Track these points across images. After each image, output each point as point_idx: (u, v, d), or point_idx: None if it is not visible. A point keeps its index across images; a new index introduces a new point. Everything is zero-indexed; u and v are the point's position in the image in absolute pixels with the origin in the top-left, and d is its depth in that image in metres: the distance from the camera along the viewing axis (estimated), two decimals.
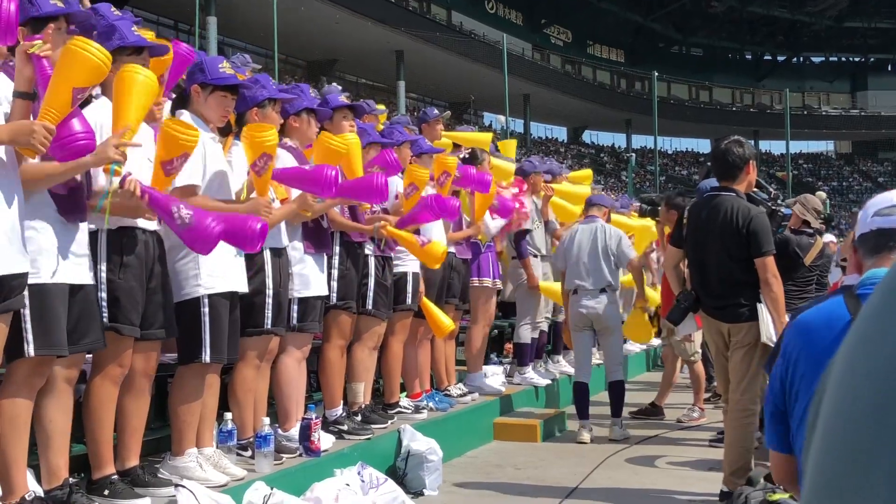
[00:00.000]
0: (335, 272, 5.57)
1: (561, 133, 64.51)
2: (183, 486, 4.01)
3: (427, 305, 6.48)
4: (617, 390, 7.61)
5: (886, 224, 2.24)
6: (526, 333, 8.22)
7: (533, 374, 8.41)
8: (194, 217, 3.79)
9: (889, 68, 75.56)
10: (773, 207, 5.79)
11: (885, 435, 0.48)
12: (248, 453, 4.83)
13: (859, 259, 2.32)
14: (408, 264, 6.32)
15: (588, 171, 11.65)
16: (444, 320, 6.52)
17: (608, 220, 8.35)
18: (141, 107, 3.72)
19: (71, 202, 3.65)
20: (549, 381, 8.60)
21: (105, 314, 3.88)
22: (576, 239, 7.66)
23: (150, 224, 4.08)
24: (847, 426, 0.51)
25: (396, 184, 6.14)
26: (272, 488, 4.37)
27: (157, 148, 4.01)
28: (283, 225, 5.00)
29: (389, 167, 5.66)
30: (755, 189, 5.71)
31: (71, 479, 3.83)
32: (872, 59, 74.70)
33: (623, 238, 7.68)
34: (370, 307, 5.83)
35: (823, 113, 71.91)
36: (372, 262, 5.85)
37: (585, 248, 7.56)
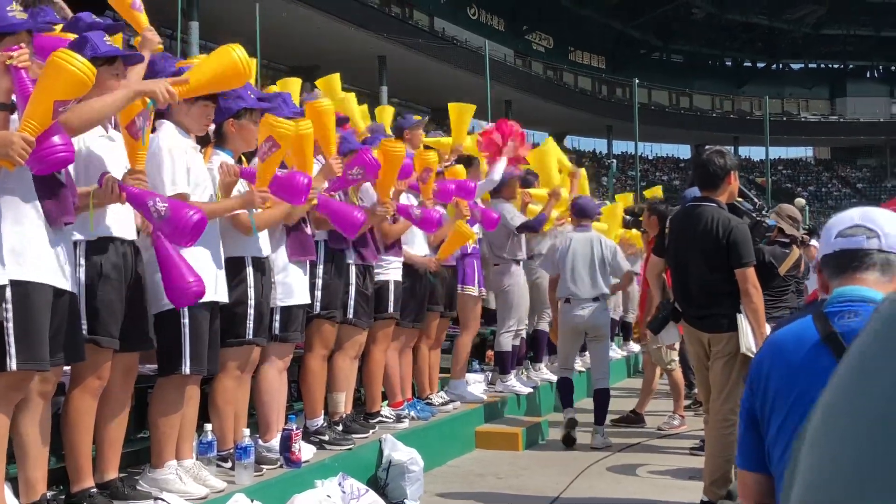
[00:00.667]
0: (319, 281, 5.55)
1: (543, 139, 64.49)
2: (162, 500, 3.99)
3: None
4: (601, 398, 7.65)
5: (849, 245, 2.24)
6: (507, 341, 8.22)
7: (515, 382, 8.41)
8: (170, 209, 3.77)
9: (867, 75, 76.16)
10: (758, 218, 5.82)
11: (864, 490, 0.48)
12: (229, 465, 4.80)
13: (825, 280, 2.32)
14: (389, 272, 6.31)
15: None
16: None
17: None
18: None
19: (57, 205, 3.61)
20: (531, 389, 8.60)
21: (84, 326, 3.85)
22: (570, 248, 7.73)
23: (128, 234, 4.05)
24: (827, 482, 0.50)
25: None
26: (253, 500, 4.34)
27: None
28: (265, 234, 4.98)
29: (368, 167, 5.62)
30: (739, 199, 5.74)
31: (49, 492, 3.80)
32: (851, 66, 75.24)
33: (618, 249, 7.90)
34: (351, 316, 5.81)
35: (802, 119, 72.36)
36: (353, 270, 5.83)
37: (581, 258, 7.66)
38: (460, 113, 8.75)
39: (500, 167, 7.94)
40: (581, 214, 8.00)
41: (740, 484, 2.48)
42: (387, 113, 8.83)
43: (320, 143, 5.36)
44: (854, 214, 2.31)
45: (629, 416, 8.77)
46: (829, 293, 2.29)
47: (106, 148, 4.03)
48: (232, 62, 4.20)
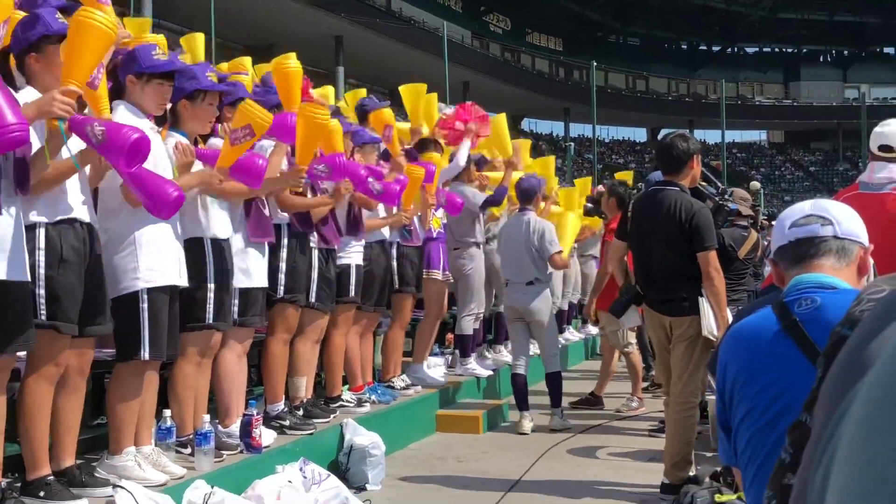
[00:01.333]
0: (283, 265, 5.49)
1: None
2: (121, 487, 3.92)
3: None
4: (554, 381, 7.57)
5: (804, 233, 2.28)
6: (468, 325, 8.21)
7: (475, 365, 8.41)
8: (108, 132, 3.66)
9: (821, 59, 77.13)
10: (721, 202, 5.84)
11: None
12: (188, 451, 4.73)
13: (780, 271, 2.35)
14: (351, 256, 6.26)
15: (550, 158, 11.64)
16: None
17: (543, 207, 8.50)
18: (94, 57, 3.66)
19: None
20: (491, 372, 8.60)
21: (44, 312, 3.76)
22: (505, 232, 7.72)
23: (85, 216, 3.96)
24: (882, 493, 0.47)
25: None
26: (213, 486, 4.29)
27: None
28: (226, 216, 4.91)
29: (335, 170, 5.57)
30: (702, 183, 5.75)
31: (4, 480, 3.72)
32: (805, 50, 76.14)
33: (547, 232, 7.50)
34: (314, 300, 5.76)
35: (757, 103, 73.12)
36: (315, 254, 5.78)
37: (512, 242, 7.55)
38: (413, 94, 8.66)
39: (465, 152, 7.92)
40: (522, 198, 7.72)
41: (737, 478, 2.49)
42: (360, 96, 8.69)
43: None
44: (806, 206, 2.36)
45: (588, 398, 8.81)
46: (786, 284, 2.31)
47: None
48: (92, 28, 3.65)
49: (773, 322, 2.26)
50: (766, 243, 8.81)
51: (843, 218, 2.29)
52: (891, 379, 0.50)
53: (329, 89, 8.60)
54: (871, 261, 2.47)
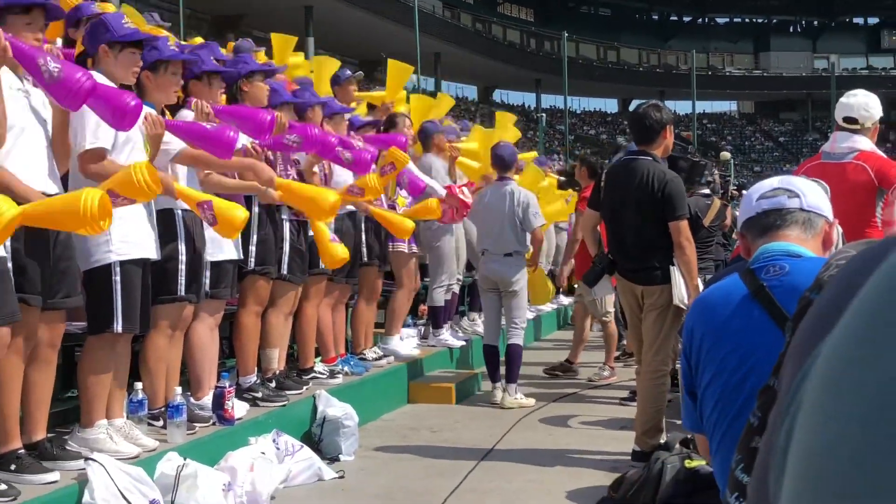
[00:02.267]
0: (254, 237, 5.47)
1: (472, 92, 64.48)
2: (93, 460, 3.90)
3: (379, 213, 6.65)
4: (513, 354, 7.35)
5: (771, 205, 2.35)
6: (439, 296, 8.21)
7: (447, 336, 8.42)
8: (63, 71, 3.61)
9: (791, 30, 77.40)
10: (695, 159, 5.87)
11: (877, 480, 0.44)
12: (160, 423, 4.72)
13: (748, 243, 2.41)
14: None
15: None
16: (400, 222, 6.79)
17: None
18: None
19: None
20: (464, 343, 8.63)
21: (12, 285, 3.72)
22: (485, 202, 7.57)
23: (52, 188, 3.92)
24: (831, 469, 0.47)
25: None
26: (185, 459, 4.28)
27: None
28: (197, 187, 4.88)
29: (307, 141, 5.54)
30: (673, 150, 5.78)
31: None
32: (775, 21, 76.39)
33: (531, 204, 7.36)
34: (285, 272, 5.74)
35: (727, 73, 73.33)
36: (287, 226, 5.75)
37: (493, 212, 7.42)
38: (398, 71, 8.63)
39: (435, 187, 7.67)
40: (501, 166, 7.56)
41: (698, 444, 2.53)
42: (329, 65, 8.53)
43: None
44: (774, 181, 2.43)
45: (562, 365, 8.86)
46: (752, 255, 2.36)
47: (21, 100, 3.89)
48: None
49: (741, 288, 2.31)
50: (736, 213, 8.89)
51: (809, 192, 2.36)
52: (851, 337, 0.50)
53: (300, 58, 8.51)
54: (839, 230, 2.52)
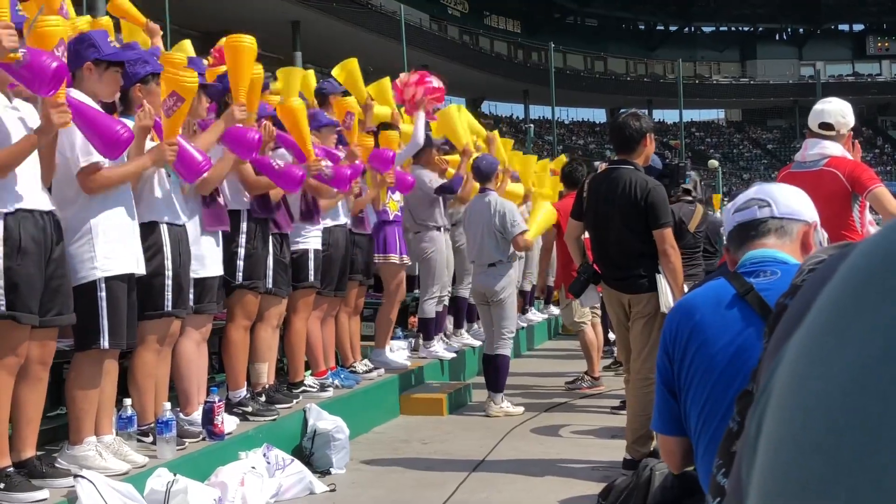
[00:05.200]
0: (242, 251, 5.47)
1: (460, 104, 64.52)
2: (82, 477, 3.90)
3: None
4: (497, 364, 7.35)
5: (743, 217, 2.42)
6: (430, 308, 8.21)
7: (438, 348, 8.42)
8: (29, 54, 3.63)
9: (777, 37, 77.73)
10: (674, 164, 5.91)
11: (839, 466, 0.45)
12: (150, 439, 4.72)
13: (732, 256, 2.46)
14: (309, 241, 6.25)
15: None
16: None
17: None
18: None
19: None
20: (454, 355, 8.62)
21: (2, 302, 3.73)
22: (467, 214, 7.67)
23: (46, 205, 3.94)
24: (796, 456, 0.48)
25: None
26: (175, 474, 4.28)
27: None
28: (181, 200, 4.88)
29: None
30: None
31: None
32: (761, 29, 76.68)
33: (509, 213, 7.34)
34: (271, 286, 5.74)
35: (714, 82, 73.57)
36: (270, 239, 5.76)
37: (474, 224, 7.47)
38: (345, 73, 8.49)
39: (420, 129, 7.86)
40: (480, 178, 7.61)
41: (661, 448, 2.54)
42: (303, 77, 8.50)
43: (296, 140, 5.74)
44: (750, 191, 2.50)
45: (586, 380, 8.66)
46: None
47: (12, 116, 3.90)
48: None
49: (728, 290, 2.33)
50: (717, 217, 9.04)
51: (782, 198, 2.40)
52: (818, 327, 0.52)
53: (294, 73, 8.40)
54: (823, 235, 2.54)
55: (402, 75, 8.85)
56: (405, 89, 8.48)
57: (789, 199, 2.41)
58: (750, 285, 2.29)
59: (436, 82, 8.55)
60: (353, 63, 8.44)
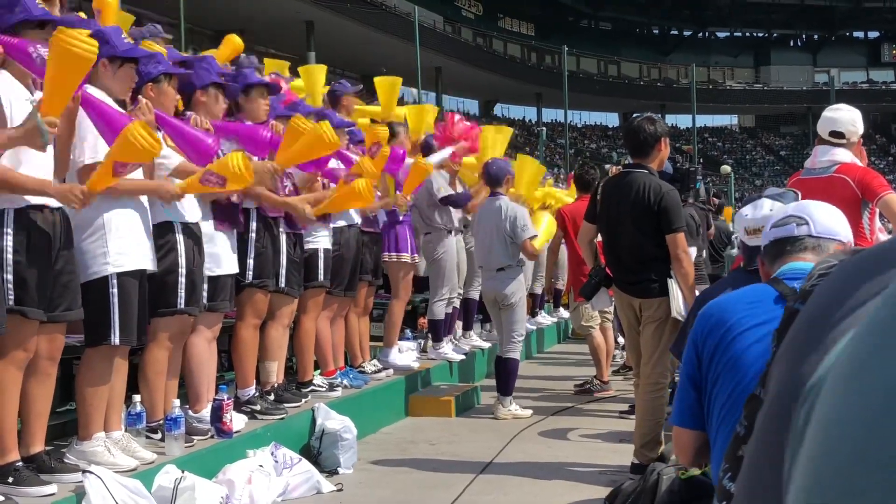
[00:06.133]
0: (251, 250, 5.48)
1: (473, 106, 64.57)
2: (91, 472, 3.91)
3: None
4: (506, 367, 7.37)
5: (781, 234, 2.45)
6: (440, 309, 8.21)
7: (447, 350, 8.42)
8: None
9: (791, 43, 77.48)
10: (686, 167, 5.90)
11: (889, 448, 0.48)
12: (158, 436, 4.73)
13: (766, 270, 2.51)
14: (319, 241, 6.26)
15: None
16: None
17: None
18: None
19: None
20: (463, 356, 8.62)
21: (11, 297, 3.74)
22: (477, 218, 7.68)
23: (55, 201, 3.95)
24: (847, 435, 0.50)
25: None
26: (183, 471, 4.29)
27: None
28: (194, 199, 4.89)
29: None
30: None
31: None
32: (776, 35, 76.46)
33: (518, 218, 7.33)
34: (283, 285, 5.75)
35: (728, 87, 73.37)
36: (283, 238, 5.77)
37: (484, 228, 7.48)
38: (389, 86, 8.64)
39: (439, 157, 7.88)
40: (490, 182, 7.62)
41: (675, 441, 2.53)
42: (317, 73, 8.52)
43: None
44: (789, 207, 2.56)
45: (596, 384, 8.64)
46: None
47: (28, 109, 3.92)
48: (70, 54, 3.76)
49: (770, 292, 2.37)
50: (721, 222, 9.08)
51: (820, 217, 2.44)
52: (878, 324, 0.54)
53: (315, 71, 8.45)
54: None
55: (458, 117, 8.95)
56: (454, 128, 8.49)
57: (827, 219, 2.46)
58: (793, 287, 2.31)
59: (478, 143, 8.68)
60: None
